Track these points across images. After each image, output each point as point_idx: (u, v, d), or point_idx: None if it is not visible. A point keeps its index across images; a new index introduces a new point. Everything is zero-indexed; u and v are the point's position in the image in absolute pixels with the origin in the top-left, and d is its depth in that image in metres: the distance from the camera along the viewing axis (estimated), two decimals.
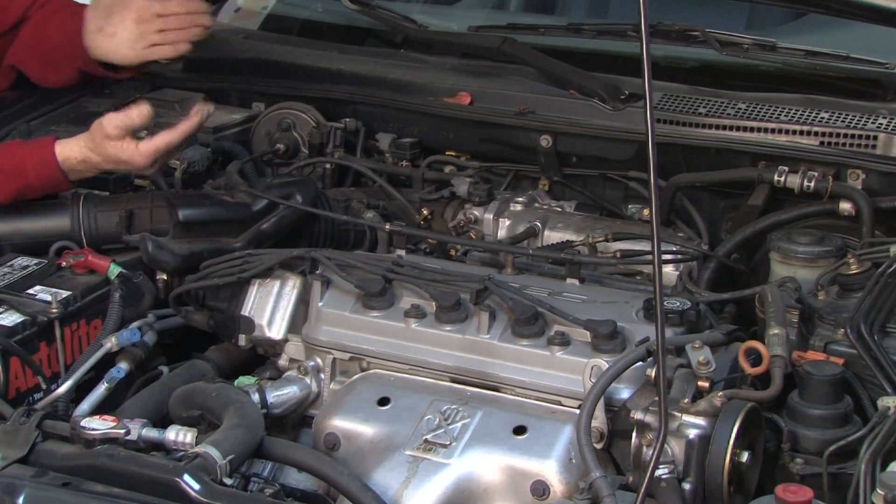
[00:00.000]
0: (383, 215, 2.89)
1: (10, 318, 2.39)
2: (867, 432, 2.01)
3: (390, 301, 2.38)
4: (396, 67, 3.18)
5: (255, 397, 2.30)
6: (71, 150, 2.70)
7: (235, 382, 2.35)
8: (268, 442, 2.12)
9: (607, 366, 2.14)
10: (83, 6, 3.10)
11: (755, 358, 2.11)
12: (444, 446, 2.16)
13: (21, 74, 3.11)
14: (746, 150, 2.79)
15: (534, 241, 2.80)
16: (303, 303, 2.46)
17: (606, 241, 2.72)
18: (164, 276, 2.66)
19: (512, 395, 2.26)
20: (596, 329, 2.22)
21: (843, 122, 2.76)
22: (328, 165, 3.08)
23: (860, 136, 2.72)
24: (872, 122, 2.75)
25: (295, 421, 2.42)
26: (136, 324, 2.52)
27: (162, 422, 2.21)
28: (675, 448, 2.02)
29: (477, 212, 2.88)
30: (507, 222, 2.86)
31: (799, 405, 2.12)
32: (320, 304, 2.41)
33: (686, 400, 2.06)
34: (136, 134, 2.68)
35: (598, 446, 2.14)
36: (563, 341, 2.24)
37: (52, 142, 2.70)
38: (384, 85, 3.14)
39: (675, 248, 2.68)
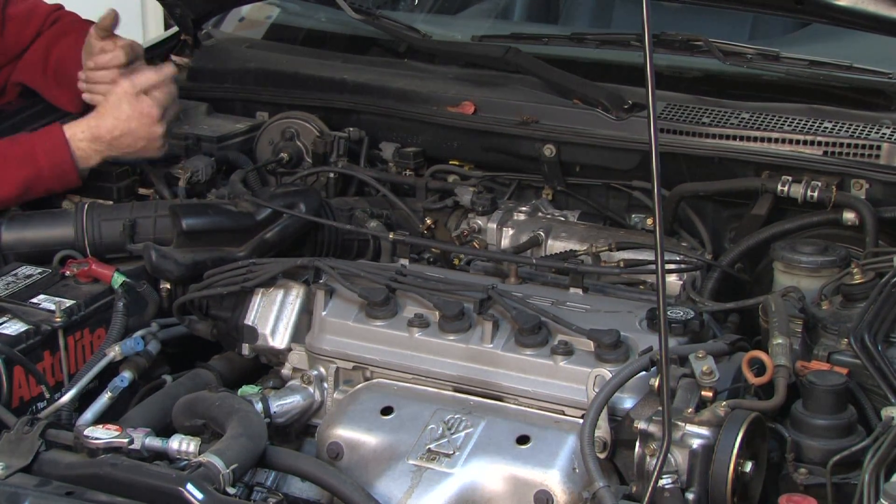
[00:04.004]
0: (387, 225, 2.89)
1: (14, 327, 2.39)
2: (871, 442, 2.01)
3: (394, 310, 2.39)
4: (400, 77, 3.19)
5: (259, 406, 2.30)
6: (77, 125, 2.79)
7: (239, 391, 2.35)
8: (271, 451, 2.12)
9: (611, 375, 2.14)
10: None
11: (759, 368, 2.11)
12: (448, 456, 2.16)
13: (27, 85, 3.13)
14: (750, 160, 2.79)
15: (537, 250, 2.81)
16: (306, 312, 2.46)
17: (610, 250, 2.72)
18: (168, 286, 2.67)
19: (515, 404, 2.26)
20: (599, 339, 2.22)
21: (846, 131, 2.76)
22: (332, 175, 3.08)
23: (863, 146, 2.73)
24: (876, 132, 2.75)
25: (298, 430, 2.42)
26: (139, 333, 2.53)
27: (165, 431, 2.21)
28: (679, 458, 2.02)
29: (480, 221, 2.89)
30: (511, 231, 2.87)
31: (803, 415, 2.11)
32: (324, 313, 2.41)
33: (690, 410, 2.06)
34: None
35: (602, 456, 2.14)
36: (567, 351, 2.24)
37: (58, 125, 2.78)
38: (388, 94, 3.15)
39: (678, 258, 2.68)
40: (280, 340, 2.46)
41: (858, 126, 2.77)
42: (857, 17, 2.55)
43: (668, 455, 1.99)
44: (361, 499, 2.07)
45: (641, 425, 2.06)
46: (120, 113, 2.79)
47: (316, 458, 2.23)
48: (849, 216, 2.66)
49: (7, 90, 3.13)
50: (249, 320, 2.48)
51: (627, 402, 2.16)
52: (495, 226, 2.87)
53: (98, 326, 2.52)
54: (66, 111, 3.10)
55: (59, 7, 3.17)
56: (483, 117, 3.04)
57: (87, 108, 3.07)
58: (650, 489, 1.93)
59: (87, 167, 2.80)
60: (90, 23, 3.16)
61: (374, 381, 2.36)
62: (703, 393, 2.08)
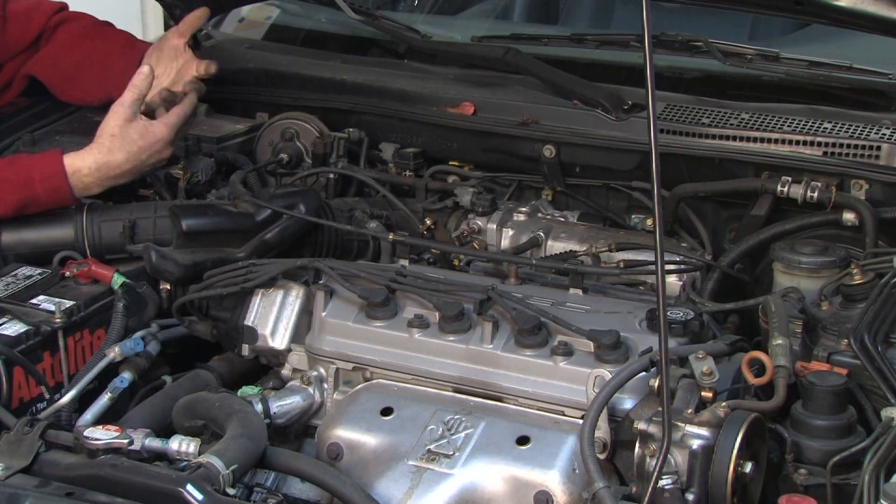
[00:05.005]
0: (387, 225, 2.89)
1: (14, 328, 2.39)
2: (871, 443, 2.01)
3: (393, 311, 2.38)
4: (400, 77, 3.19)
5: (259, 407, 2.30)
6: (83, 160, 2.72)
7: (239, 392, 2.35)
8: (271, 452, 2.12)
9: (611, 376, 2.14)
10: (113, 34, 3.14)
11: (759, 368, 2.11)
12: (448, 456, 2.16)
13: (31, 82, 3.13)
14: (750, 161, 2.79)
15: (537, 251, 2.80)
16: (306, 313, 2.46)
17: (610, 251, 2.72)
18: (168, 286, 2.66)
19: (515, 405, 2.26)
20: (599, 339, 2.22)
21: (846, 132, 2.76)
22: (332, 175, 3.08)
23: (863, 147, 2.72)
24: (875, 133, 2.75)
25: (298, 431, 2.42)
26: (139, 333, 2.53)
27: (165, 432, 2.21)
28: (679, 458, 2.02)
29: (480, 222, 2.89)
30: (511, 232, 2.87)
31: (802, 416, 2.12)
32: (323, 314, 2.41)
33: (689, 410, 2.06)
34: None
35: (602, 457, 2.14)
36: (567, 351, 2.24)
37: (60, 153, 2.72)
38: (387, 95, 3.15)
39: (678, 259, 2.68)
40: (280, 341, 2.46)
41: (858, 126, 2.77)
42: (857, 17, 2.55)
43: (668, 456, 1.99)
44: (361, 500, 2.07)
45: (641, 426, 2.06)
46: (132, 146, 2.74)
47: (316, 458, 2.23)
48: (848, 217, 2.66)
49: (14, 83, 3.14)
50: (249, 321, 2.48)
51: (627, 402, 2.16)
52: (495, 226, 2.87)
53: (98, 327, 2.52)
54: (65, 108, 3.11)
55: (64, 6, 3.18)
56: (483, 118, 3.04)
57: (99, 103, 3.07)
58: (650, 490, 1.93)
59: (84, 196, 2.77)
60: (108, 25, 3.17)
61: (374, 381, 2.36)
62: (702, 393, 2.08)
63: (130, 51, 3.07)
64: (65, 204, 2.73)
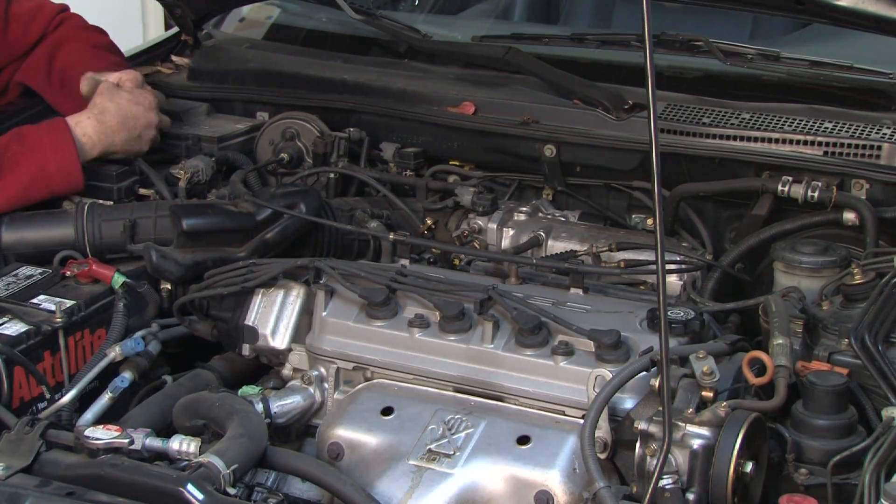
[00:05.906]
0: (387, 225, 2.89)
1: (15, 328, 2.39)
2: (871, 443, 2.01)
3: (394, 311, 2.38)
4: (400, 77, 3.19)
5: (259, 407, 2.30)
6: (81, 115, 2.86)
7: (239, 392, 2.35)
8: (271, 452, 2.12)
9: (611, 376, 2.14)
10: (100, 37, 3.13)
11: (759, 368, 2.11)
12: (448, 456, 2.16)
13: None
14: (750, 160, 2.79)
15: (537, 250, 2.80)
16: (306, 312, 2.46)
17: (610, 250, 2.72)
18: (168, 286, 2.67)
19: (516, 404, 2.26)
20: (600, 339, 2.22)
21: (846, 132, 2.76)
22: (332, 175, 3.08)
23: (864, 146, 2.73)
24: (876, 133, 2.75)
25: (299, 430, 2.42)
26: (139, 333, 2.53)
27: (166, 431, 2.22)
28: (679, 458, 2.02)
29: (481, 221, 2.89)
30: (511, 232, 2.87)
31: (803, 415, 2.12)
32: (324, 313, 2.41)
33: (690, 410, 2.06)
34: None
35: (602, 456, 2.14)
36: (567, 351, 2.24)
37: (61, 118, 2.85)
38: (388, 95, 3.15)
39: (678, 258, 2.68)
40: (280, 341, 2.46)
41: (859, 126, 2.77)
42: (858, 17, 2.55)
43: (669, 455, 1.99)
44: (362, 499, 2.07)
45: (642, 426, 2.06)
46: (121, 100, 2.89)
47: (316, 458, 2.23)
48: (849, 216, 2.66)
49: (9, 89, 3.13)
50: (250, 321, 2.48)
51: (628, 402, 2.16)
52: (496, 226, 2.87)
53: (98, 327, 2.52)
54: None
55: (65, 8, 3.18)
56: (483, 118, 3.04)
57: None
58: (650, 489, 1.93)
59: (88, 158, 2.82)
60: (95, 29, 3.17)
61: (375, 381, 2.36)
62: (703, 393, 2.08)
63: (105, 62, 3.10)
64: (70, 166, 2.78)
